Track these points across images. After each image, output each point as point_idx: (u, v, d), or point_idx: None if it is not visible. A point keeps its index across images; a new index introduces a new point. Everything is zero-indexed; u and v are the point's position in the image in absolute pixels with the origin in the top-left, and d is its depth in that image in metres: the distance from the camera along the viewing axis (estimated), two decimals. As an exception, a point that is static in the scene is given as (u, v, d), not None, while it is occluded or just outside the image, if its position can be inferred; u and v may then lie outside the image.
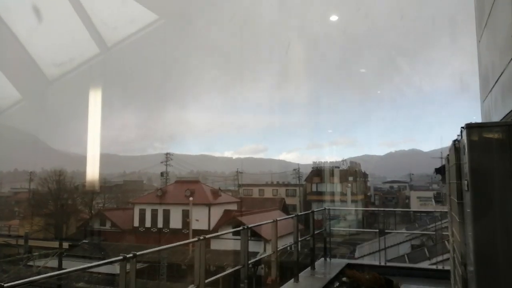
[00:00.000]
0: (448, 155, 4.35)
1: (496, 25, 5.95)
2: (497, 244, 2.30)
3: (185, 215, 37.88)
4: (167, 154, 46.83)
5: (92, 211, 45.05)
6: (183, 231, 37.54)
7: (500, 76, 5.75)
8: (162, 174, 47.95)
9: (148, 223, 40.28)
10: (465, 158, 2.52)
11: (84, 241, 31.91)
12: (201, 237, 4.23)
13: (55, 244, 27.55)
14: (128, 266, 3.20)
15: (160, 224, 39.67)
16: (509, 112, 5.23)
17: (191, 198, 36.38)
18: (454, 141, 3.26)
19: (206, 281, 4.25)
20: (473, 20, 8.25)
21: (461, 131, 2.72)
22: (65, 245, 26.78)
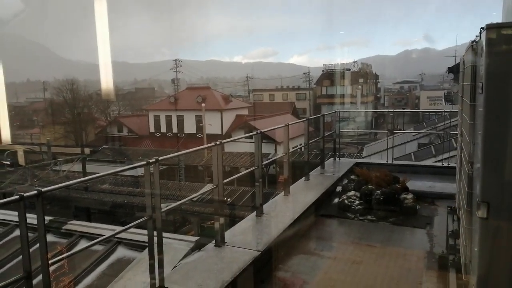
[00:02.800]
0: (464, 56, 4.26)
1: None
2: (506, 145, 2.40)
3: (198, 120, 38.75)
4: (176, 60, 46.07)
5: (109, 119, 46.15)
6: (197, 135, 38.76)
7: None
8: (172, 80, 47.80)
9: (163, 129, 41.49)
10: (482, 60, 2.50)
11: (104, 146, 33.27)
12: (218, 142, 4.44)
13: (77, 150, 28.87)
14: (151, 169, 3.45)
15: (175, 129, 40.85)
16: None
17: (203, 104, 36.82)
18: (472, 41, 3.18)
19: (224, 181, 4.56)
20: None
21: (480, 32, 2.65)
22: (87, 151, 28.05)
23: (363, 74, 55.62)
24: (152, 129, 41.96)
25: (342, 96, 52.82)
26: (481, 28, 2.64)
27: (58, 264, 3.24)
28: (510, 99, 2.38)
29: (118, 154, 31.06)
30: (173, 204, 4.16)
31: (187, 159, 26.53)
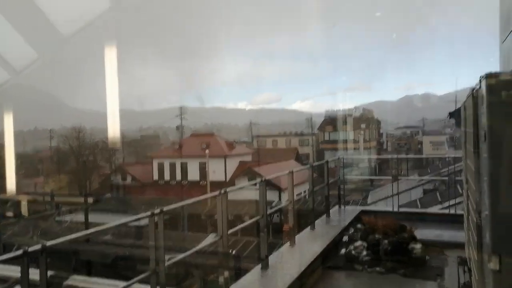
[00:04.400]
0: (465, 103, 4.33)
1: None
2: None
3: (202, 167, 38.76)
4: (181, 107, 47.03)
5: (113, 167, 46.31)
6: (200, 182, 38.59)
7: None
8: (177, 127, 48.46)
9: (167, 176, 41.42)
10: (483, 108, 2.54)
11: (107, 195, 33.11)
12: (222, 191, 4.42)
13: (80, 199, 28.73)
14: (155, 219, 3.42)
15: (178, 177, 40.76)
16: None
17: (207, 151, 37.02)
18: (472, 89, 3.24)
19: (229, 232, 4.49)
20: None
21: (480, 80, 2.70)
22: (90, 200, 27.92)
23: (365, 119, 56.27)
24: (155, 177, 41.93)
25: (345, 141, 53.11)
26: (480, 76, 2.70)
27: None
28: (513, 146, 2.39)
29: (121, 203, 30.87)
30: (177, 257, 4.07)
31: (190, 207, 26.23)
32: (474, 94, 3.21)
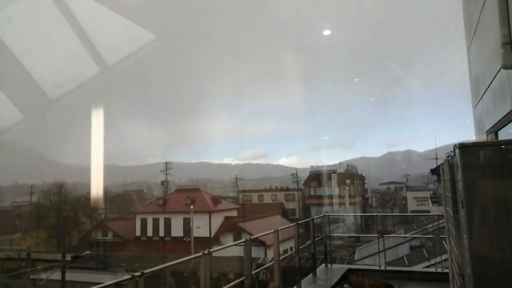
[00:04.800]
0: (442, 165, 4.50)
1: (485, 34, 6.14)
2: (494, 259, 2.44)
3: (186, 223, 37.94)
4: (166, 163, 46.87)
5: (94, 222, 44.99)
6: (184, 238, 37.55)
7: (490, 83, 5.93)
8: (162, 183, 47.97)
9: (149, 232, 40.28)
10: (459, 176, 2.66)
11: (86, 252, 31.82)
12: (206, 251, 4.36)
13: (58, 256, 27.48)
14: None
15: (161, 233, 39.67)
16: (500, 120, 5.42)
17: (192, 206, 36.43)
18: (448, 156, 3.41)
19: (213, 293, 4.36)
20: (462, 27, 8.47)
21: (454, 149, 2.86)
22: (68, 257, 26.72)
23: (349, 175, 56.82)
24: (138, 233, 40.72)
25: (331, 196, 53.18)
26: (454, 145, 2.86)
27: None
28: (490, 211, 2.48)
29: (101, 261, 29.60)
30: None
31: (172, 266, 25.33)
32: (449, 161, 3.37)
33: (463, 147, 2.60)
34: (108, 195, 49.38)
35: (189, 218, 36.65)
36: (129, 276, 3.37)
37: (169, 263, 5.03)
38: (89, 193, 41.25)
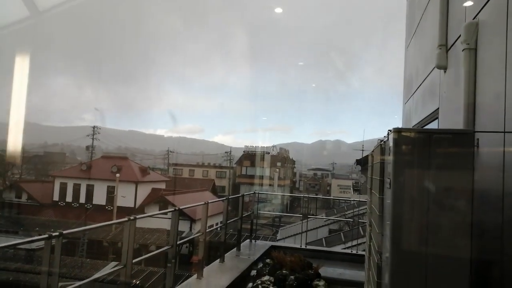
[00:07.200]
0: (373, 152, 4.74)
1: (424, 35, 6.50)
2: (413, 236, 2.62)
3: (110, 191, 36.52)
4: (94, 127, 44.30)
5: (7, 182, 41.54)
6: (107, 207, 36.20)
7: (422, 82, 6.32)
8: (87, 147, 45.37)
9: (69, 198, 38.21)
10: (390, 159, 2.80)
11: (-4, 213, 29.38)
12: (131, 217, 4.18)
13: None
14: (52, 242, 3.09)
15: (82, 199, 37.82)
16: (426, 116, 5.82)
17: (117, 175, 35.06)
18: (380, 141, 3.58)
19: (134, 261, 4.22)
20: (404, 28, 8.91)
21: (388, 133, 3.00)
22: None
23: (281, 158, 58.43)
24: (56, 198, 38.41)
25: (261, 177, 54.39)
26: (388, 130, 3.00)
27: None
28: (414, 193, 2.65)
29: (13, 223, 27.53)
30: (73, 285, 3.68)
31: (91, 233, 24.33)
32: (382, 145, 3.53)
33: (397, 131, 2.73)
34: (25, 155, 45.69)
35: (113, 187, 35.31)
36: (45, 236, 3.10)
37: (89, 226, 4.78)
38: (3, 150, 37.82)
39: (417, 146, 2.69)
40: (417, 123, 6.43)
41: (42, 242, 3.05)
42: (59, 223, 26.80)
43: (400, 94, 8.87)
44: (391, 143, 2.77)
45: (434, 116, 5.28)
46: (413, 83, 7.28)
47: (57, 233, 3.12)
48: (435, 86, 5.24)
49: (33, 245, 15.10)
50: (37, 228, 22.88)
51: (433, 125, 5.52)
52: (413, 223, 2.61)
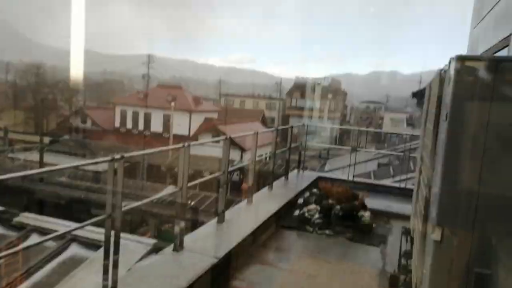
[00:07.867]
0: (431, 83, 4.45)
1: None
2: (464, 173, 2.52)
3: (166, 119, 38.11)
4: (149, 55, 45.20)
5: (73, 108, 44.51)
6: (163, 135, 38.08)
7: (495, 4, 5.65)
8: (143, 76, 46.81)
9: (129, 125, 40.45)
10: (449, 89, 2.61)
11: (65, 137, 31.96)
12: (186, 144, 4.38)
13: (36, 138, 27.55)
14: (115, 165, 3.34)
15: (141, 126, 39.92)
16: (497, 43, 5.28)
17: (173, 104, 36.29)
18: (440, 70, 3.32)
19: (189, 184, 4.50)
20: None
21: (449, 62, 2.76)
22: (46, 140, 26.83)
23: (332, 90, 56.93)
24: (117, 124, 40.84)
25: (311, 109, 53.79)
26: (450, 58, 2.75)
27: (6, 258, 3.07)
28: (472, 128, 2.49)
29: (80, 146, 29.96)
30: (134, 204, 4.05)
31: (150, 158, 26.00)
32: (441, 75, 3.29)
33: (460, 59, 2.51)
34: (88, 83, 48.14)
35: (169, 115, 36.74)
36: (109, 158, 3.35)
37: (149, 151, 5.09)
38: (68, 78, 40.03)
39: (480, 75, 2.46)
40: (485, 52, 5.87)
41: (107, 164, 3.31)
42: (121, 148, 28.74)
43: (467, 21, 8.04)
44: (452, 72, 2.57)
45: (505, 43, 4.78)
46: (484, 6, 6.54)
47: (118, 156, 3.36)
48: (509, 9, 4.68)
49: (99, 168, 16.47)
50: (102, 152, 24.75)
51: (502, 53, 5.03)
52: (467, 159, 2.49)
